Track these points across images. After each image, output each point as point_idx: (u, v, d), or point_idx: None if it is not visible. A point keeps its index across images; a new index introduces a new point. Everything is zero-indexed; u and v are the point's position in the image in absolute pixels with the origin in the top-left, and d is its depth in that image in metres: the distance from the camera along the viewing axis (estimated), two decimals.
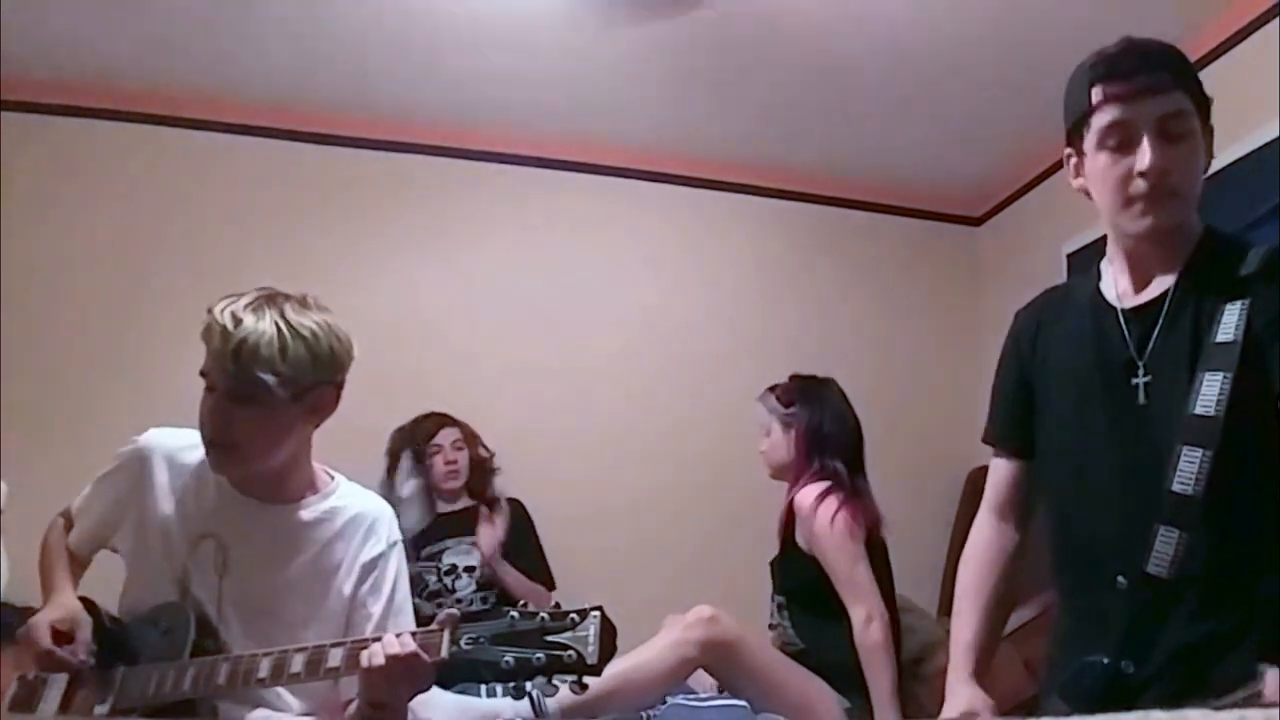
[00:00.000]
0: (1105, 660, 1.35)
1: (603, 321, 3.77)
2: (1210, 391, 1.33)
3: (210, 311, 1.57)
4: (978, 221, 4.16)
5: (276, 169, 3.57)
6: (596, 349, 3.72)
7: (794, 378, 2.80)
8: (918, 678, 2.72)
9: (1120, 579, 1.38)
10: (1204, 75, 2.85)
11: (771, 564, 2.74)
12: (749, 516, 3.58)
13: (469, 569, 3.11)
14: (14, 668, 1.67)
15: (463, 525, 3.19)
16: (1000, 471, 1.70)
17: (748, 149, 3.82)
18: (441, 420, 3.27)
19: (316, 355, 1.58)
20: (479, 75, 3.34)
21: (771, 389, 2.79)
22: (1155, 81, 1.40)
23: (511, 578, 3.09)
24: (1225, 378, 1.33)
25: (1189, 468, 1.33)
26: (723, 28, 3.04)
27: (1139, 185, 1.40)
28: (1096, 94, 1.43)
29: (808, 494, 2.55)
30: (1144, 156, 1.39)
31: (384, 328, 3.36)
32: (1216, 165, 2.70)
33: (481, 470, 3.33)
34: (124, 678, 1.56)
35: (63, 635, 1.58)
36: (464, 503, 3.29)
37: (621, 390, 3.70)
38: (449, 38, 3.13)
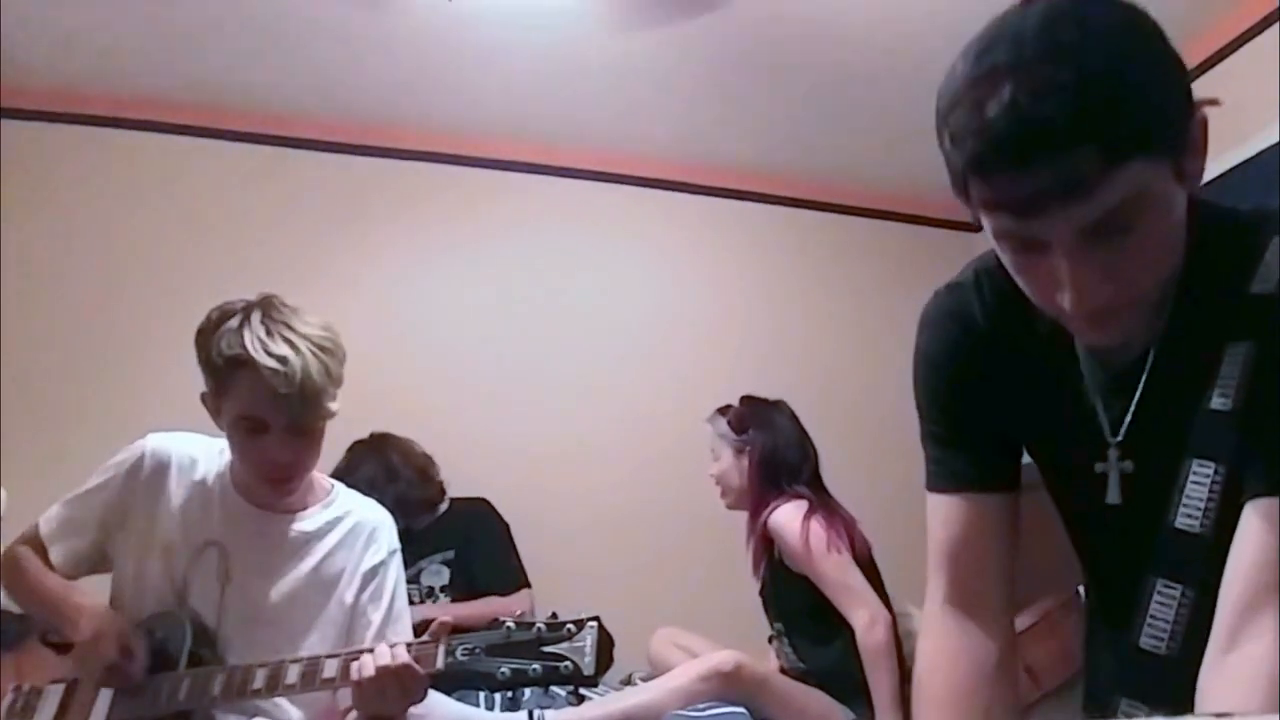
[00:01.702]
0: None
1: (599, 328, 3.76)
2: (1196, 494, 0.91)
3: (241, 352, 1.52)
4: (976, 227, 4.14)
5: (285, 177, 3.56)
6: (591, 356, 3.71)
7: (745, 400, 2.74)
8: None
9: None
10: (1205, 79, 2.89)
11: (762, 593, 2.71)
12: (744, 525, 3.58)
13: (444, 588, 3.04)
14: (12, 676, 1.66)
15: (429, 541, 3.07)
16: (957, 527, 1.12)
17: (747, 156, 3.81)
18: (349, 466, 2.99)
19: (341, 362, 1.61)
20: (475, 82, 3.33)
21: (721, 411, 2.73)
22: (1069, 178, 0.81)
23: (471, 614, 2.70)
24: (1216, 473, 0.90)
25: (1163, 612, 0.91)
26: (722, 35, 3.04)
27: (1065, 301, 0.88)
28: (976, 192, 0.87)
29: (784, 515, 2.49)
30: (1064, 290, 0.87)
31: (378, 333, 3.35)
32: (1217, 169, 2.74)
33: (411, 503, 3.02)
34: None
35: (125, 649, 1.55)
36: (425, 518, 3.13)
37: (618, 398, 3.69)
38: (447, 46, 3.12)
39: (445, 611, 2.85)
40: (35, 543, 1.73)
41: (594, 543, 3.44)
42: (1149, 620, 0.93)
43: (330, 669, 1.42)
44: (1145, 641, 0.93)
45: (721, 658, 2.34)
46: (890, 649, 2.38)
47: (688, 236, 3.90)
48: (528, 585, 3.11)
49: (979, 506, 1.11)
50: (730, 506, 2.72)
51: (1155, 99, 0.82)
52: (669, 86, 3.36)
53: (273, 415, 1.55)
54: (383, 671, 1.36)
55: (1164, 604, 0.92)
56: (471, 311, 3.65)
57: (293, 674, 1.43)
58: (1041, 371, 1.04)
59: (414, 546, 2.97)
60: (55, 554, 1.71)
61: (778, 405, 2.72)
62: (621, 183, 3.84)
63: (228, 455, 1.72)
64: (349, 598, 1.70)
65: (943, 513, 1.14)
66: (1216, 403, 0.91)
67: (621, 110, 3.52)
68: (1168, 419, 0.94)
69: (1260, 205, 0.96)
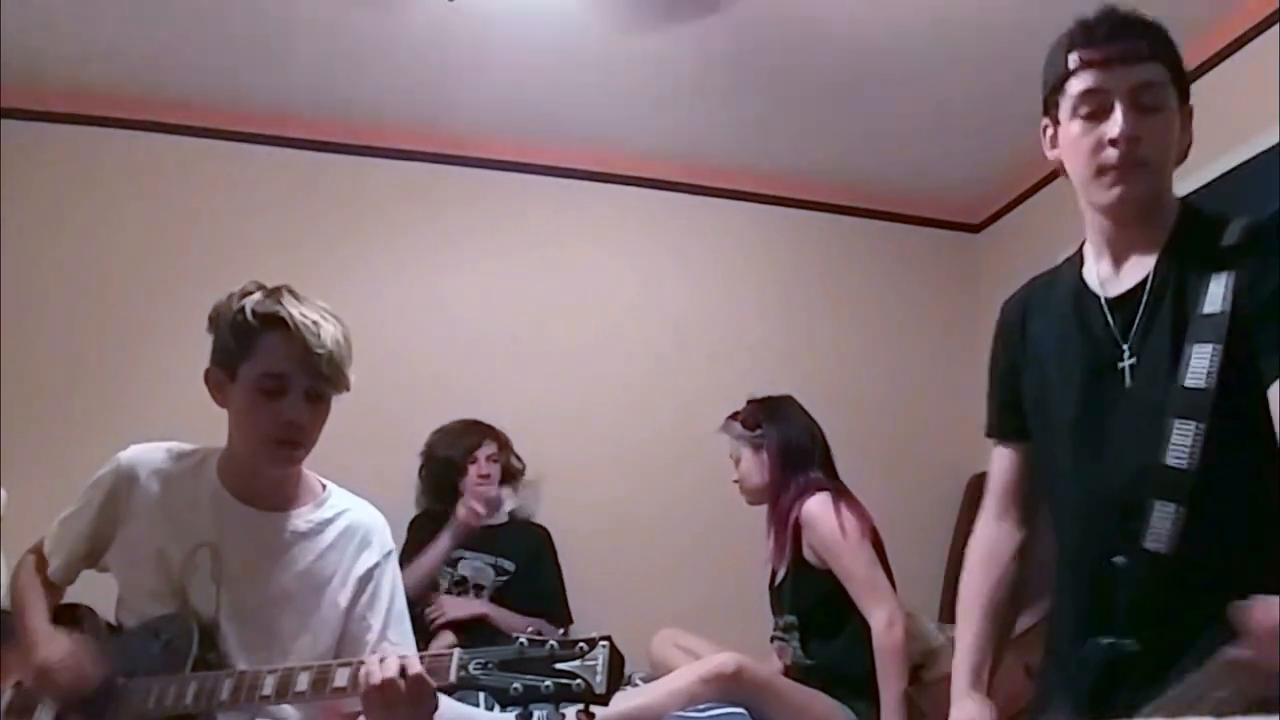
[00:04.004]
0: (1108, 641, 1.33)
1: (607, 330, 3.76)
2: (1199, 364, 1.30)
3: (278, 310, 1.60)
4: (977, 229, 4.16)
5: (285, 178, 3.56)
6: (597, 359, 3.71)
7: (753, 400, 2.80)
8: (918, 684, 2.72)
9: (1119, 557, 1.35)
10: (1205, 81, 2.90)
11: (775, 589, 2.72)
12: (749, 525, 3.59)
13: (477, 587, 3.10)
14: (10, 674, 1.66)
15: (485, 541, 3.17)
16: (1001, 463, 1.66)
17: (748, 157, 3.81)
18: (483, 433, 3.27)
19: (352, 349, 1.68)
20: (481, 83, 3.33)
21: (733, 416, 2.79)
22: (1131, 49, 1.40)
23: (508, 622, 2.97)
24: (1214, 350, 1.30)
25: (1181, 440, 1.30)
26: (723, 38, 3.04)
27: (1109, 154, 1.38)
28: (1073, 60, 1.43)
29: (817, 506, 2.54)
30: (1114, 124, 1.37)
31: (388, 336, 3.35)
32: (1218, 170, 2.75)
33: (513, 481, 3.34)
34: (122, 690, 1.55)
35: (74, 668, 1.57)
36: (493, 518, 3.26)
37: (622, 401, 3.69)
38: (463, 49, 3.11)
39: (499, 614, 2.97)
40: (40, 551, 1.79)
41: (596, 544, 3.43)
42: (1171, 448, 1.30)
43: (341, 678, 1.42)
44: (1172, 460, 1.30)
45: (723, 659, 2.35)
46: (904, 650, 2.40)
47: (695, 239, 3.91)
48: (572, 621, 3.20)
49: (1007, 453, 1.65)
50: (752, 503, 2.76)
51: (1172, 46, 1.45)
52: (676, 87, 3.35)
53: (297, 374, 1.60)
54: (389, 683, 1.36)
55: (1183, 435, 1.30)
56: (475, 314, 3.65)
57: (303, 681, 1.43)
58: (1069, 311, 1.49)
59: (467, 534, 3.13)
60: (51, 570, 1.76)
61: (785, 399, 2.79)
62: (628, 184, 3.84)
63: (213, 458, 1.74)
64: (342, 602, 1.70)
65: (994, 454, 1.67)
66: (1208, 309, 1.33)
67: (628, 111, 3.52)
68: (1162, 328, 1.37)
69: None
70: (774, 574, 2.73)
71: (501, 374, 3.59)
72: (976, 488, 3.73)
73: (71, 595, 1.81)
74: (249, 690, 1.46)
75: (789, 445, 2.68)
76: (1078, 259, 1.55)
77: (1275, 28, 2.75)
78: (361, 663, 1.41)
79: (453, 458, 3.22)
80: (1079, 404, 1.45)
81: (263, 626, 1.64)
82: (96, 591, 1.77)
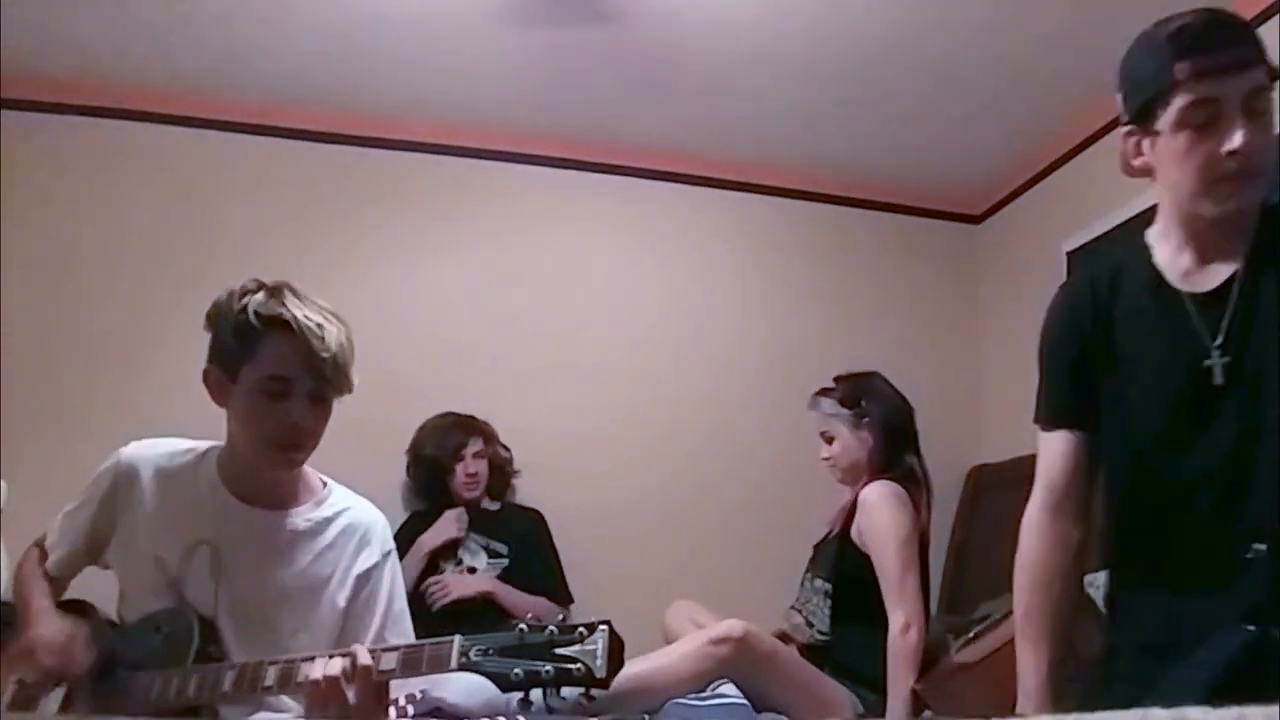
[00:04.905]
0: (1252, 629, 1.31)
1: (600, 320, 3.76)
2: None
3: (282, 313, 1.58)
4: (977, 220, 4.16)
5: (276, 168, 3.55)
6: (593, 348, 3.71)
7: (843, 378, 2.77)
8: (929, 677, 2.72)
9: (1259, 545, 1.34)
10: None
11: (818, 546, 2.74)
12: (746, 514, 3.59)
13: (471, 570, 3.10)
14: (13, 668, 1.67)
15: (479, 527, 3.18)
16: (1059, 451, 1.57)
17: (746, 147, 3.81)
18: (467, 429, 3.24)
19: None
20: (488, 76, 3.33)
21: (824, 392, 2.75)
22: (1243, 54, 1.36)
23: (512, 599, 3.00)
24: None
25: None
26: (720, 25, 3.03)
27: (1229, 166, 1.36)
28: (1181, 70, 1.36)
29: (874, 492, 2.54)
30: (1235, 137, 1.34)
31: (383, 327, 3.35)
32: None
33: (500, 472, 3.33)
34: (124, 682, 1.56)
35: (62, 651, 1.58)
36: (485, 505, 3.28)
37: (619, 389, 3.69)
38: (460, 41, 3.11)
39: (504, 591, 2.99)
40: (42, 545, 1.80)
41: (591, 529, 3.43)
42: None
43: (337, 668, 1.41)
44: None
45: (731, 623, 2.37)
46: (917, 656, 2.41)
47: (688, 229, 3.90)
48: (572, 600, 3.21)
49: (1069, 440, 1.57)
50: (845, 481, 2.75)
51: (1264, 46, 1.39)
52: (670, 79, 3.35)
53: (301, 377, 1.59)
54: (313, 685, 1.37)
55: None
56: (465, 303, 3.65)
57: (304, 673, 1.43)
58: (1150, 306, 1.48)
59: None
60: (51, 563, 1.77)
61: (875, 374, 2.78)
62: (618, 174, 3.84)
63: (213, 454, 1.74)
64: (340, 601, 1.70)
65: (1046, 442, 1.60)
66: None
67: (623, 104, 3.51)
68: (1264, 325, 1.38)
69: None
70: (827, 533, 2.73)
71: (492, 359, 3.58)
72: (977, 479, 3.74)
73: (73, 593, 1.81)
74: (251, 682, 1.46)
75: (891, 424, 2.66)
76: (1144, 247, 1.53)
77: (1275, 19, 2.75)
78: (376, 650, 1.41)
79: (439, 458, 3.21)
80: (1171, 407, 1.45)
81: (261, 625, 1.64)
82: (97, 589, 1.78)
